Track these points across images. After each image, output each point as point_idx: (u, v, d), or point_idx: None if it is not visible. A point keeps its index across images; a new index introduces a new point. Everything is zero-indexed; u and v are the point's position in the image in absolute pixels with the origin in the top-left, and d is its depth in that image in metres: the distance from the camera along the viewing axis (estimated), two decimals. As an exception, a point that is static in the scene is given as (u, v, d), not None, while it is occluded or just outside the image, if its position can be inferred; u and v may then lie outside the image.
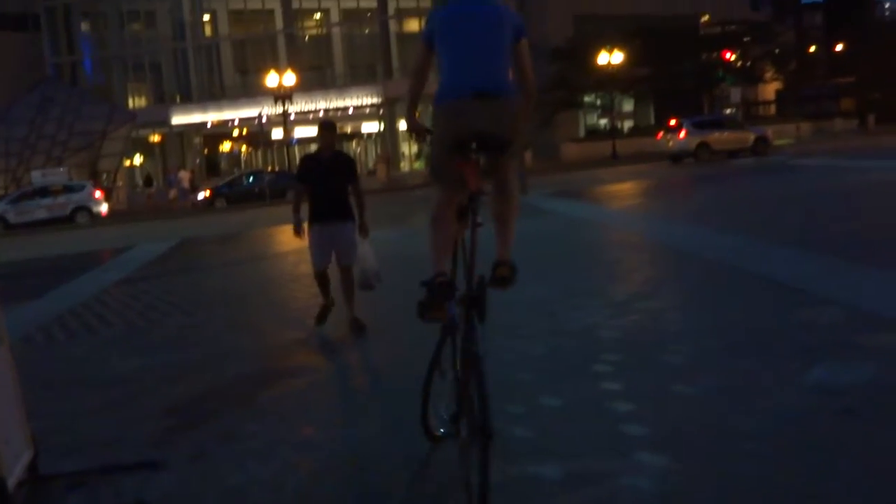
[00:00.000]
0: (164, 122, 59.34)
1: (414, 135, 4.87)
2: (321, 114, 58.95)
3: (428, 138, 4.62)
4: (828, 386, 4.80)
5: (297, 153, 61.19)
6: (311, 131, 61.88)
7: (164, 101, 60.64)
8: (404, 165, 54.88)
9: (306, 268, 12.48)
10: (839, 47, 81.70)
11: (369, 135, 62.94)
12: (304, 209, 7.86)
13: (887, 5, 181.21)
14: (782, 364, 5.32)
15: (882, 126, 68.91)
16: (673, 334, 6.37)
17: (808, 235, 10.83)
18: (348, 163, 8.17)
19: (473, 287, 4.01)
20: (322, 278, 8.00)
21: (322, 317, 8.05)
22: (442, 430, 4.46)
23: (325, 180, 7.81)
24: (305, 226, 7.92)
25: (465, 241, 4.21)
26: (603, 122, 61.49)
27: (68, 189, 36.14)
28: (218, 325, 8.98)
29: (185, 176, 46.69)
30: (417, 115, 4.82)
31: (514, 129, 4.11)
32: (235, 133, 63.19)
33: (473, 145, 3.96)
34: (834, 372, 5.02)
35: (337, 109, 59.46)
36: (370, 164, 60.40)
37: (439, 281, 3.99)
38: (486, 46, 4.19)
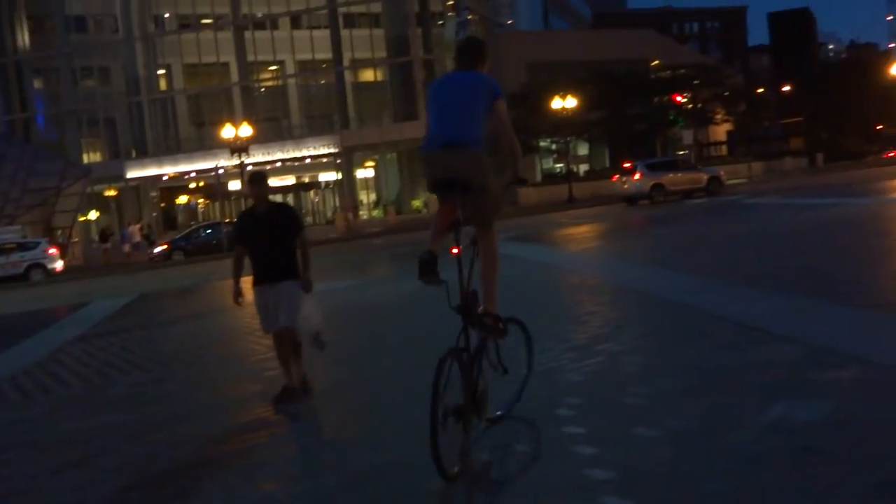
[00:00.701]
0: (119, 177, 58.95)
1: None
2: (278, 164, 59.01)
3: None
4: (787, 424, 4.83)
5: (256, 204, 61.08)
6: (269, 183, 61.79)
7: (119, 156, 60.35)
8: (363, 214, 54.88)
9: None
10: (786, 88, 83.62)
11: (327, 184, 63.01)
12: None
13: (831, 47, 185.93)
14: (741, 403, 5.35)
15: (830, 164, 70.35)
16: (633, 376, 6.39)
17: (764, 274, 10.97)
18: (287, 214, 7.57)
19: (466, 299, 5.15)
20: (280, 344, 7.18)
21: (282, 398, 6.98)
22: (456, 469, 4.67)
23: (263, 237, 7.18)
24: (250, 287, 7.34)
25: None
26: (559, 165, 62.14)
27: (22, 247, 35.72)
28: (176, 381, 8.86)
29: (134, 230, 46.51)
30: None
31: (475, 172, 4.98)
32: (192, 186, 62.95)
33: (441, 188, 5.01)
34: (792, 410, 5.05)
35: (294, 160, 59.57)
36: (329, 214, 60.35)
37: (425, 253, 4.97)
38: (456, 106, 5.09)
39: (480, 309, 5.23)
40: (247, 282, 7.32)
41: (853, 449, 4.35)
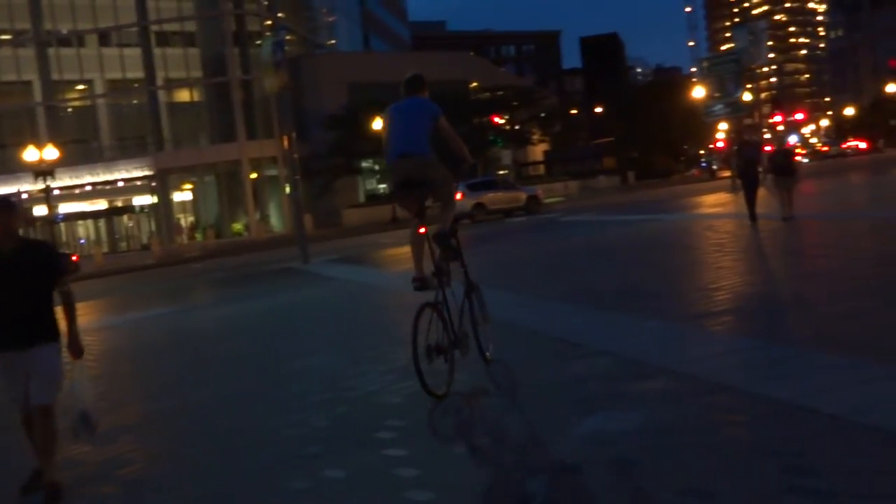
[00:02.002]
0: (-89, 203, 54.82)
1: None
2: (88, 188, 56.50)
3: None
4: (602, 435, 4.93)
5: (64, 230, 58.25)
6: (78, 207, 59.15)
7: (-90, 180, 56.17)
8: (180, 238, 53.25)
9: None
10: (598, 110, 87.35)
11: (142, 208, 60.75)
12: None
13: (639, 70, 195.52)
14: (559, 417, 5.44)
15: (642, 182, 73.93)
16: (453, 395, 6.38)
17: (580, 289, 11.31)
18: (44, 254, 5.60)
19: (439, 263, 6.73)
20: (31, 429, 5.54)
21: (31, 487, 5.46)
22: (442, 391, 6.27)
23: (7, 286, 5.34)
24: None
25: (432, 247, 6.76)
26: (382, 186, 62.40)
27: None
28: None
29: None
30: None
31: (423, 172, 6.61)
32: (-6, 211, 59.14)
33: (403, 187, 6.65)
34: (607, 421, 5.17)
35: (105, 183, 57.21)
36: (144, 239, 58.24)
37: (417, 280, 6.62)
38: (405, 126, 6.80)
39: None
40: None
41: (663, 457, 4.48)
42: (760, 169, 17.95)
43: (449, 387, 6.30)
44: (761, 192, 18.08)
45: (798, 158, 19.69)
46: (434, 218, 6.82)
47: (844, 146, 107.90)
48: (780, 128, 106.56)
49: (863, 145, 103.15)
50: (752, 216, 17.65)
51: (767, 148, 20.14)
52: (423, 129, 6.80)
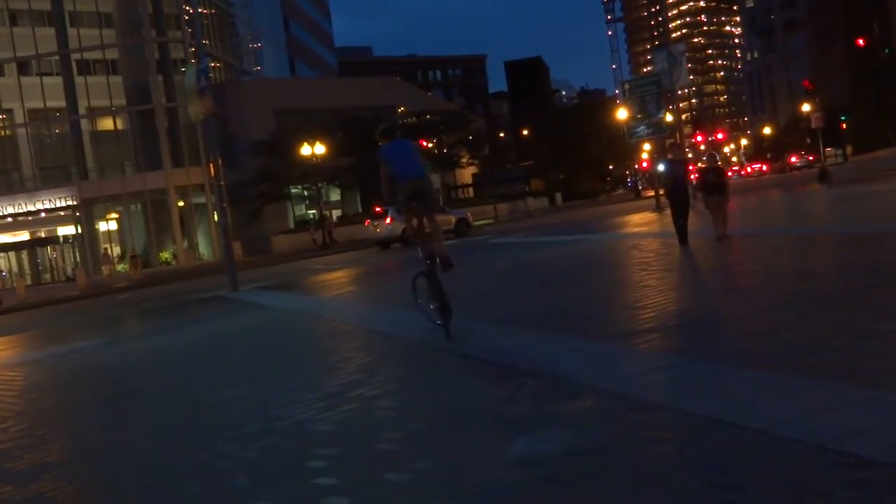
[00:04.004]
0: None
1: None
2: (9, 220, 55.17)
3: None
4: (531, 457, 4.96)
5: (-14, 263, 56.65)
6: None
7: None
8: (105, 269, 52.18)
9: (-6, 389, 11.42)
10: (525, 132, 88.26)
11: (66, 238, 59.42)
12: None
13: (563, 92, 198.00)
14: (489, 440, 5.47)
15: (569, 203, 74.79)
16: (385, 421, 6.37)
17: (508, 311, 11.39)
18: None
19: (433, 253, 9.70)
20: None
21: None
22: (437, 321, 9.67)
23: None
24: None
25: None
26: (311, 212, 62.10)
27: None
28: None
29: None
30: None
31: (428, 188, 10.06)
32: None
33: (413, 199, 9.61)
34: (535, 443, 5.20)
35: (28, 213, 55.95)
36: (69, 270, 56.93)
37: (426, 265, 9.81)
38: (411, 158, 9.85)
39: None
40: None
41: (591, 477, 4.52)
42: (689, 188, 17.72)
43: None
44: (693, 211, 17.95)
45: (729, 176, 19.41)
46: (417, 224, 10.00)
47: (748, 167, 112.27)
48: (703, 147, 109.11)
49: (765, 167, 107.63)
50: (682, 238, 17.08)
51: (699, 165, 20.28)
52: (420, 160, 10.20)
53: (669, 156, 19.49)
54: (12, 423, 8.68)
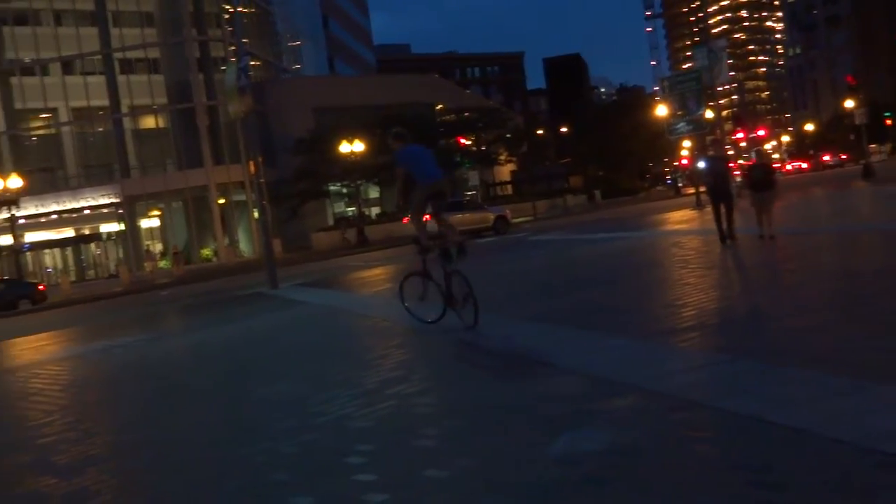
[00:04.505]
0: None
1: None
2: (54, 217, 56.01)
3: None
4: (570, 455, 4.94)
5: (30, 259, 57.61)
6: (44, 235, 58.57)
7: None
8: (147, 266, 52.81)
9: (39, 383, 11.63)
10: (563, 129, 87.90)
11: (109, 235, 60.21)
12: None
13: (602, 89, 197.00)
14: (527, 437, 5.44)
15: (608, 200, 74.34)
16: (423, 417, 6.37)
17: (547, 308, 11.36)
18: None
19: (448, 246, 10.39)
20: None
21: None
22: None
23: None
24: None
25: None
26: (350, 209, 62.32)
27: None
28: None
29: None
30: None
31: (448, 188, 11.06)
32: (-43, 242, 58.57)
33: (432, 198, 10.52)
34: (575, 440, 5.18)
35: (72, 211, 56.77)
36: (112, 266, 57.69)
37: (420, 248, 10.69)
38: (432, 160, 10.62)
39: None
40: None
41: (631, 476, 4.49)
42: (733, 184, 17.28)
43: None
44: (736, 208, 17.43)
45: (777, 173, 18.26)
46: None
47: (787, 165, 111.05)
48: (743, 144, 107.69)
49: (804, 165, 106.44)
50: (726, 235, 16.69)
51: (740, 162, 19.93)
52: (436, 162, 10.73)
53: (710, 152, 19.06)
54: (57, 416, 8.81)
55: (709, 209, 18.24)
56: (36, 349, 17.32)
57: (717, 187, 17.19)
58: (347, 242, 50.65)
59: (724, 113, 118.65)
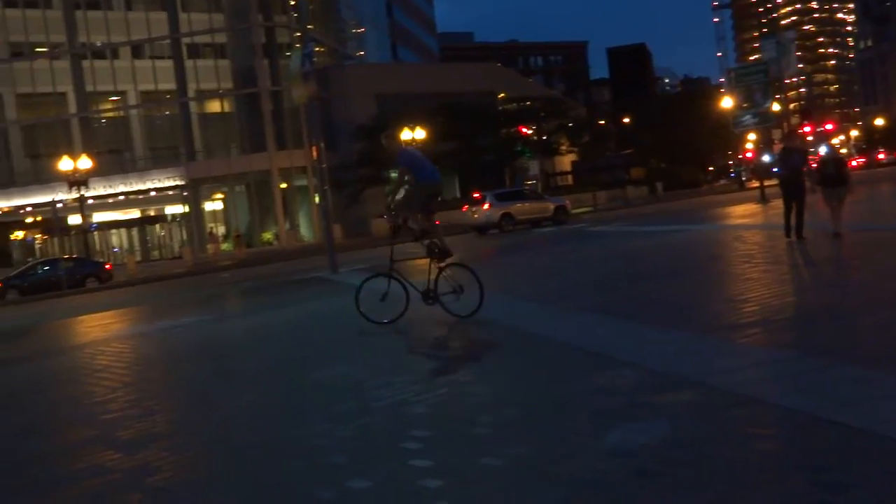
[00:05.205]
0: (-53, 212, 55.85)
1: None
2: (122, 198, 57.12)
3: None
4: (623, 448, 4.91)
5: (98, 239, 58.91)
6: (111, 216, 59.82)
7: (-54, 190, 57.15)
8: (210, 248, 53.64)
9: (105, 360, 11.89)
10: (626, 120, 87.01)
11: (174, 217, 61.30)
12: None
13: (667, 80, 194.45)
14: (581, 429, 5.42)
15: (670, 192, 73.43)
16: (479, 406, 6.39)
17: (606, 299, 11.28)
18: None
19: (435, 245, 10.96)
20: None
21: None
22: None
23: None
24: None
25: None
26: (408, 197, 62.40)
27: None
28: (2, 428, 8.31)
29: None
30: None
31: (442, 191, 12.07)
32: (28, 220, 60.11)
33: (431, 199, 11.29)
34: (628, 434, 5.14)
35: (138, 192, 57.83)
36: (176, 248, 58.71)
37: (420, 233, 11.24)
38: (430, 163, 11.12)
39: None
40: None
41: (686, 470, 4.45)
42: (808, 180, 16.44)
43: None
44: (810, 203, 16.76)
45: (849, 167, 16.87)
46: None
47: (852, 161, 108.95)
48: (810, 138, 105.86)
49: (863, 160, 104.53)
50: (798, 231, 16.02)
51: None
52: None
53: (787, 144, 18.22)
54: (121, 393, 9.01)
55: (773, 203, 17.78)
56: (102, 326, 17.72)
57: (790, 181, 16.51)
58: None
59: (792, 106, 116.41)
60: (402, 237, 11.36)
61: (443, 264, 11.11)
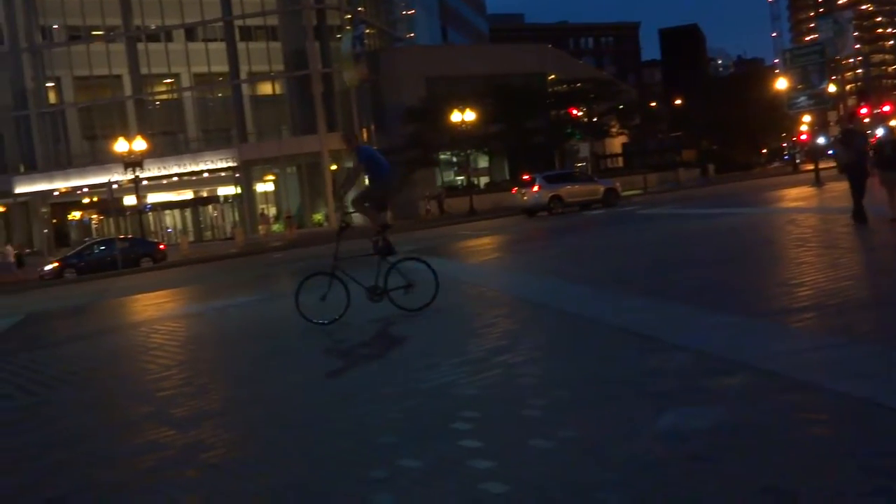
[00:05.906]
0: (7, 193, 57.02)
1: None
2: (175, 179, 57.87)
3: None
4: (676, 432, 4.90)
5: (152, 219, 59.81)
6: (165, 197, 60.67)
7: (6, 171, 58.32)
8: (262, 229, 54.14)
9: (159, 338, 12.11)
10: (678, 102, 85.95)
11: (226, 198, 61.97)
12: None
13: (720, 61, 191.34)
14: (634, 413, 5.42)
15: (722, 175, 72.50)
16: (529, 388, 6.40)
17: (657, 283, 11.21)
18: None
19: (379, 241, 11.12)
20: None
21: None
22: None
23: None
24: None
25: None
26: (459, 178, 62.45)
27: None
28: (63, 404, 8.52)
29: (9, 251, 45.06)
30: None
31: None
32: (85, 201, 61.24)
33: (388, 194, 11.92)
34: (682, 418, 5.13)
35: (191, 174, 58.55)
36: (228, 229, 59.36)
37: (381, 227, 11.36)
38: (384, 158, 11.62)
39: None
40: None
41: (740, 455, 4.43)
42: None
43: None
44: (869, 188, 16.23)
45: None
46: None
47: None
48: (867, 120, 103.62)
49: None
50: (862, 214, 15.70)
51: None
52: None
53: (849, 126, 17.65)
54: (175, 371, 9.18)
55: (828, 186, 17.48)
56: (156, 305, 18.02)
57: (853, 164, 16.11)
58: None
59: (848, 87, 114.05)
60: (348, 235, 11.42)
61: (394, 259, 11.27)
